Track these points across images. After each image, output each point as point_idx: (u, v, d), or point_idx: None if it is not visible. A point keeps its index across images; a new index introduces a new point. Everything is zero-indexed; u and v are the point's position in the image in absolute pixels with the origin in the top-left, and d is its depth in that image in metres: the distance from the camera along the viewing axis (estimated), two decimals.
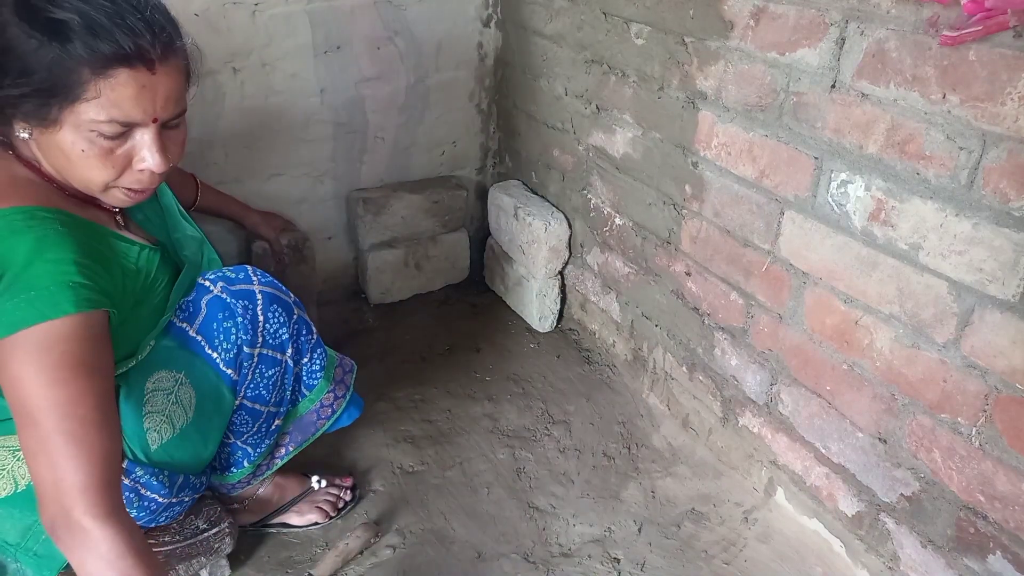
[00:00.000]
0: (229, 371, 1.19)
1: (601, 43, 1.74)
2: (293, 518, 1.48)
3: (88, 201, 1.06)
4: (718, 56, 1.42)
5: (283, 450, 1.41)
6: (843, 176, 1.23)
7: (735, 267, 1.51)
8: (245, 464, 1.34)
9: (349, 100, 2.01)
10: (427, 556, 1.45)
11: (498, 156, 2.36)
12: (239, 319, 1.17)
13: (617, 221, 1.85)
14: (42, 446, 0.87)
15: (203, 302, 1.17)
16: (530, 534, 1.50)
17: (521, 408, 1.85)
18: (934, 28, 1.03)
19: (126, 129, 0.95)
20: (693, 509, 1.57)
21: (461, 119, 2.25)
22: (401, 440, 1.73)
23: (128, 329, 1.08)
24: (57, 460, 0.87)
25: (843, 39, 1.17)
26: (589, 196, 1.94)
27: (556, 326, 2.16)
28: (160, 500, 1.18)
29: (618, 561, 1.45)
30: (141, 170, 0.99)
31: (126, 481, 1.12)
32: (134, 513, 1.14)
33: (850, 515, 1.39)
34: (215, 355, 1.17)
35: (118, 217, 1.14)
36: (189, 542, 1.29)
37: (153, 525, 1.23)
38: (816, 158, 1.27)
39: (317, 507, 1.49)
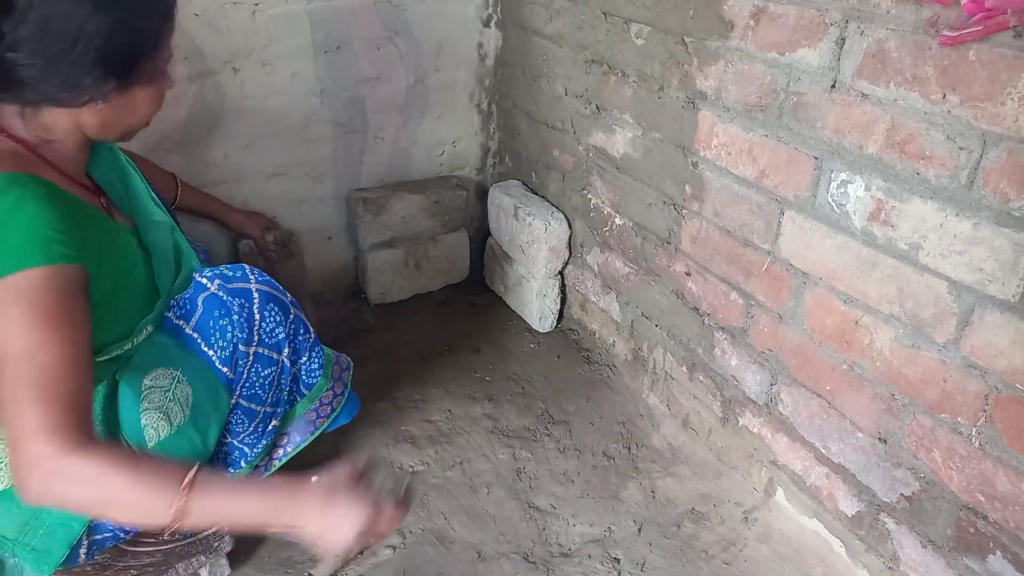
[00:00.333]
0: (225, 369, 1.18)
1: (601, 43, 1.74)
2: None
3: (76, 182, 1.10)
4: (718, 56, 1.42)
5: (281, 451, 1.40)
6: (843, 176, 1.23)
7: (735, 267, 1.51)
8: (242, 464, 1.33)
9: (349, 100, 2.01)
10: (427, 556, 1.45)
11: (498, 156, 2.36)
12: (235, 317, 1.17)
13: (617, 221, 1.85)
14: (11, 394, 0.86)
15: (200, 299, 1.17)
16: (530, 534, 1.50)
17: (521, 408, 1.85)
18: (934, 28, 1.03)
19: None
20: (693, 509, 1.57)
21: (461, 119, 2.25)
22: (401, 440, 1.73)
23: (115, 307, 1.08)
24: (22, 406, 0.86)
25: (843, 39, 1.17)
26: (589, 196, 1.94)
27: (556, 326, 2.17)
28: None
29: (618, 561, 1.45)
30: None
31: None
32: (76, 528, 1.12)
33: (850, 515, 1.39)
34: (211, 352, 1.17)
35: (102, 199, 1.15)
36: (188, 541, 1.29)
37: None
38: (816, 158, 1.27)
39: None
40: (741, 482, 1.63)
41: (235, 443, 1.30)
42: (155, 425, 1.14)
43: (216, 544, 1.31)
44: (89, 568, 1.24)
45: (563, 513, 1.55)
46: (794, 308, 1.39)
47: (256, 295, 1.20)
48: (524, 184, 2.22)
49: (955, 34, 1.00)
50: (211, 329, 1.16)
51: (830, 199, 1.26)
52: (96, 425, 1.07)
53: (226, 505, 0.93)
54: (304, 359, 1.31)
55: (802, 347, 1.40)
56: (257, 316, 1.20)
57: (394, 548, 1.46)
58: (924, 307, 1.15)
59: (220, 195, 1.83)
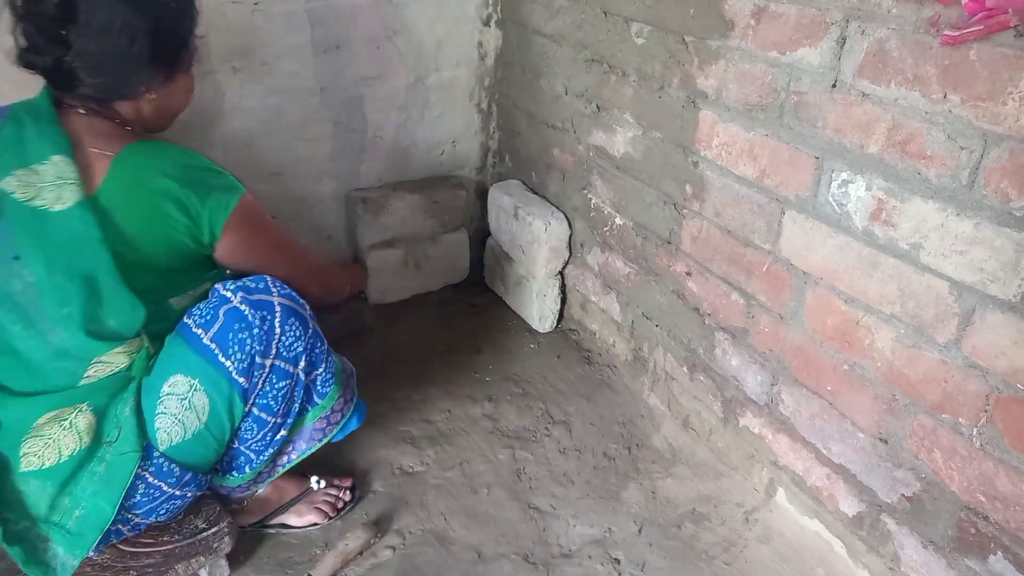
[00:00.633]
0: (241, 379, 1.19)
1: (601, 42, 1.74)
2: (292, 519, 1.48)
3: None
4: (719, 55, 1.41)
5: (286, 458, 1.40)
6: (844, 176, 1.23)
7: (736, 267, 1.51)
8: (247, 470, 1.34)
9: (348, 99, 2.01)
10: (427, 557, 1.44)
11: (498, 156, 2.36)
12: (255, 330, 1.18)
13: (617, 221, 1.85)
14: (292, 263, 1.34)
15: (221, 311, 1.18)
16: (530, 535, 1.50)
17: (521, 408, 1.84)
18: (935, 28, 1.03)
19: None
20: (694, 510, 1.56)
21: (461, 118, 2.25)
22: (401, 441, 1.72)
23: None
24: (299, 262, 1.38)
25: (844, 38, 1.17)
26: (589, 196, 1.93)
27: (556, 326, 2.16)
28: (165, 489, 1.20)
29: (618, 562, 1.45)
30: None
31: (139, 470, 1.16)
32: (136, 499, 1.17)
33: (851, 516, 1.38)
34: (228, 363, 1.18)
35: None
36: (188, 541, 1.29)
37: (151, 519, 1.24)
38: (817, 158, 1.27)
39: (316, 508, 1.49)
40: (742, 483, 1.62)
41: (241, 449, 1.30)
42: (168, 430, 1.17)
43: (216, 545, 1.30)
44: (89, 569, 1.24)
45: (563, 514, 1.55)
46: (795, 308, 1.39)
47: (278, 309, 1.21)
48: (524, 184, 2.22)
49: (956, 34, 1.00)
50: (229, 341, 1.17)
51: (831, 199, 1.26)
52: (123, 420, 1.16)
53: None
54: (320, 371, 1.31)
55: (803, 347, 1.40)
56: (278, 330, 1.21)
57: (394, 548, 1.46)
58: (925, 307, 1.15)
59: None
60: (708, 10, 1.41)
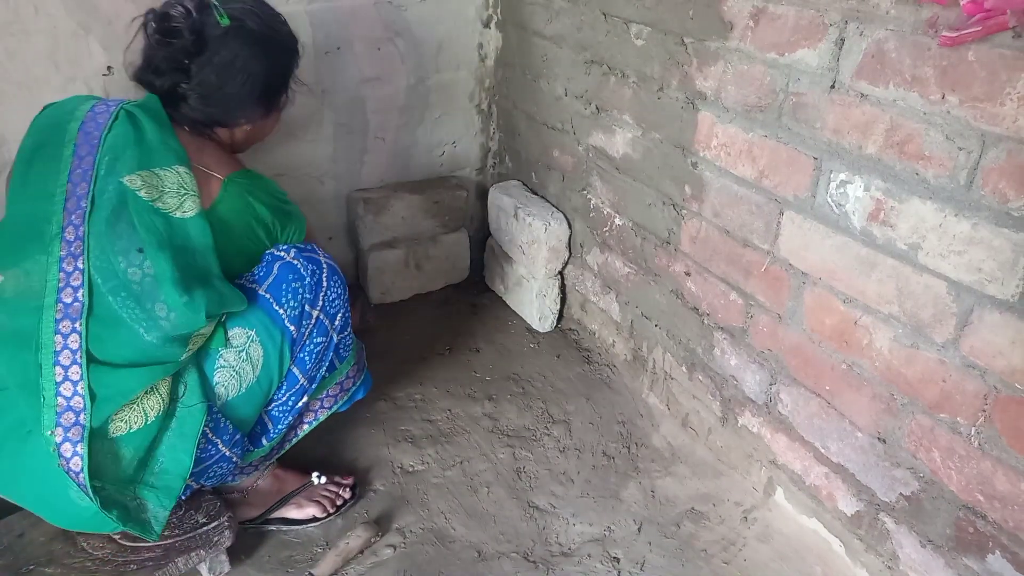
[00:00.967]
0: (292, 328, 1.29)
1: (601, 44, 1.74)
2: (292, 511, 1.49)
3: None
4: (718, 57, 1.42)
5: (294, 433, 1.46)
6: (842, 176, 1.23)
7: (735, 267, 1.51)
8: (263, 443, 1.38)
9: (350, 101, 2.01)
10: (427, 555, 1.45)
11: (498, 156, 2.37)
12: (307, 281, 1.30)
13: (617, 221, 1.85)
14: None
15: (276, 266, 1.29)
16: (530, 533, 1.51)
17: (521, 408, 1.85)
18: (933, 29, 1.04)
19: None
20: (693, 509, 1.57)
21: (461, 119, 2.25)
22: (401, 440, 1.73)
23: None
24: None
25: (842, 40, 1.18)
26: (589, 196, 1.94)
27: (556, 326, 2.17)
28: (220, 447, 1.26)
29: (618, 560, 1.45)
30: None
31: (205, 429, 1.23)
32: (185, 460, 1.21)
33: (849, 514, 1.39)
34: (281, 312, 1.28)
35: None
36: (189, 536, 1.30)
37: (202, 481, 1.30)
38: (815, 158, 1.28)
39: (315, 501, 1.50)
40: (740, 482, 1.63)
41: (265, 417, 1.36)
42: (225, 384, 1.25)
43: (216, 539, 1.31)
44: (90, 563, 1.25)
45: (563, 512, 1.56)
46: (793, 308, 1.40)
47: (325, 265, 1.33)
48: (524, 184, 2.22)
49: (954, 35, 1.00)
50: (283, 291, 1.28)
51: (829, 199, 1.27)
52: (187, 376, 1.23)
53: None
54: (345, 335, 1.41)
55: (801, 347, 1.40)
56: (325, 284, 1.32)
57: (394, 547, 1.46)
58: (923, 307, 1.16)
59: None
60: (707, 12, 1.41)
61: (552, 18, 1.90)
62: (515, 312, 2.22)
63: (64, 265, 1.12)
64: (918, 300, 1.16)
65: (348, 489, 1.54)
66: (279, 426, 1.38)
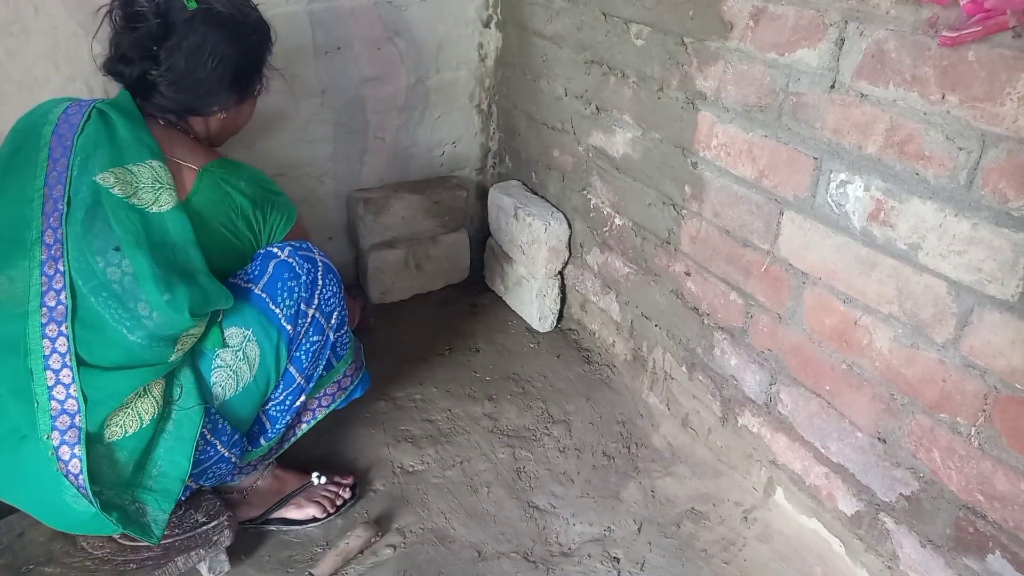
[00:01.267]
0: (288, 327, 1.29)
1: (601, 44, 1.74)
2: (292, 511, 1.49)
3: None
4: (718, 57, 1.42)
5: (293, 432, 1.46)
6: (842, 176, 1.23)
7: (734, 267, 1.51)
8: (261, 442, 1.38)
9: (350, 100, 2.01)
10: (427, 555, 1.45)
11: (498, 156, 2.37)
12: (302, 279, 1.29)
13: (617, 221, 1.85)
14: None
15: (271, 264, 1.29)
16: (530, 533, 1.51)
17: (521, 408, 1.85)
18: (933, 29, 1.04)
19: None
20: (692, 509, 1.57)
21: (461, 119, 2.25)
22: (401, 440, 1.73)
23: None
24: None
25: (842, 40, 1.18)
26: (589, 196, 1.94)
27: (556, 326, 2.17)
28: (219, 448, 1.26)
29: (618, 560, 1.45)
30: None
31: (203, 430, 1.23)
32: (183, 463, 1.21)
33: (849, 514, 1.39)
34: (278, 311, 1.28)
35: None
36: (188, 535, 1.30)
37: (201, 483, 1.31)
38: (815, 158, 1.28)
39: (315, 502, 1.50)
40: (740, 482, 1.63)
41: (263, 416, 1.36)
42: (223, 384, 1.25)
43: (215, 538, 1.31)
44: (89, 563, 1.25)
45: (563, 512, 1.56)
46: (793, 308, 1.40)
47: (320, 263, 1.33)
48: (524, 184, 2.22)
49: (954, 35, 1.00)
50: (279, 290, 1.28)
51: (829, 199, 1.27)
52: (183, 378, 1.23)
53: None
54: (342, 333, 1.41)
55: (801, 347, 1.40)
56: (320, 282, 1.32)
57: (394, 547, 1.46)
58: (923, 307, 1.16)
59: None
60: (707, 12, 1.41)
61: (552, 18, 1.90)
62: (515, 312, 2.22)
63: (45, 269, 1.12)
64: (918, 300, 1.16)
65: (348, 489, 1.54)
66: (277, 425, 1.38)
